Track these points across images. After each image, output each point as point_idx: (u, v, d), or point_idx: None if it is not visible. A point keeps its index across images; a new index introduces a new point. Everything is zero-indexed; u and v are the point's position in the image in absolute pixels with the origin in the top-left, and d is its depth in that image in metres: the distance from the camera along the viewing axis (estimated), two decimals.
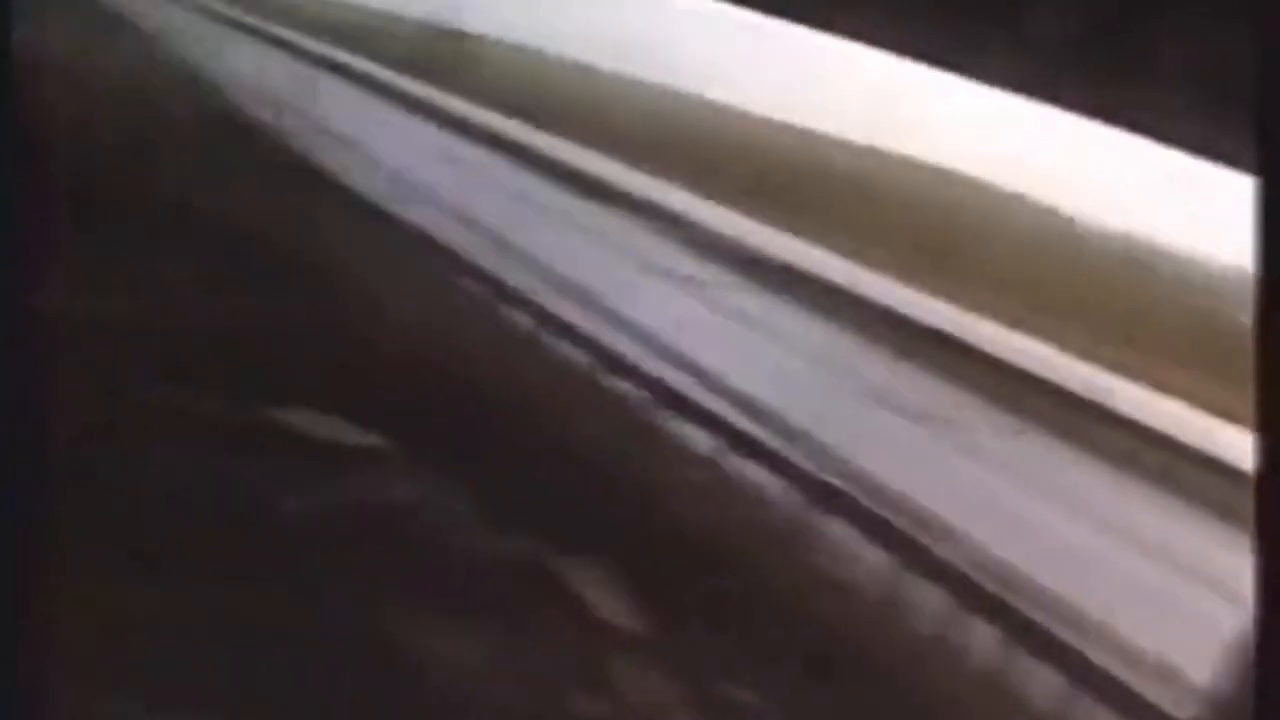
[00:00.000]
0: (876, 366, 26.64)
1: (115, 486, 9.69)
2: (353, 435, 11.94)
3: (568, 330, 19.57)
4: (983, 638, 12.24)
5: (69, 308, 12.76)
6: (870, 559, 13.56)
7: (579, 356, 18.67)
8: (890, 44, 17.60)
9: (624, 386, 17.63)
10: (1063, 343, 33.70)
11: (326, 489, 10.74)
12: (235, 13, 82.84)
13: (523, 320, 20.16)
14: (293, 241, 19.92)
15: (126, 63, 41.36)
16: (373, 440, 11.98)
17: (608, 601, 10.69)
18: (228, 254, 17.78)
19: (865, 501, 14.87)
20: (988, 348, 29.44)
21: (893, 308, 31.95)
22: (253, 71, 53.19)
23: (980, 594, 12.36)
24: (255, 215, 20.94)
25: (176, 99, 37.09)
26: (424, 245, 24.12)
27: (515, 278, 23.02)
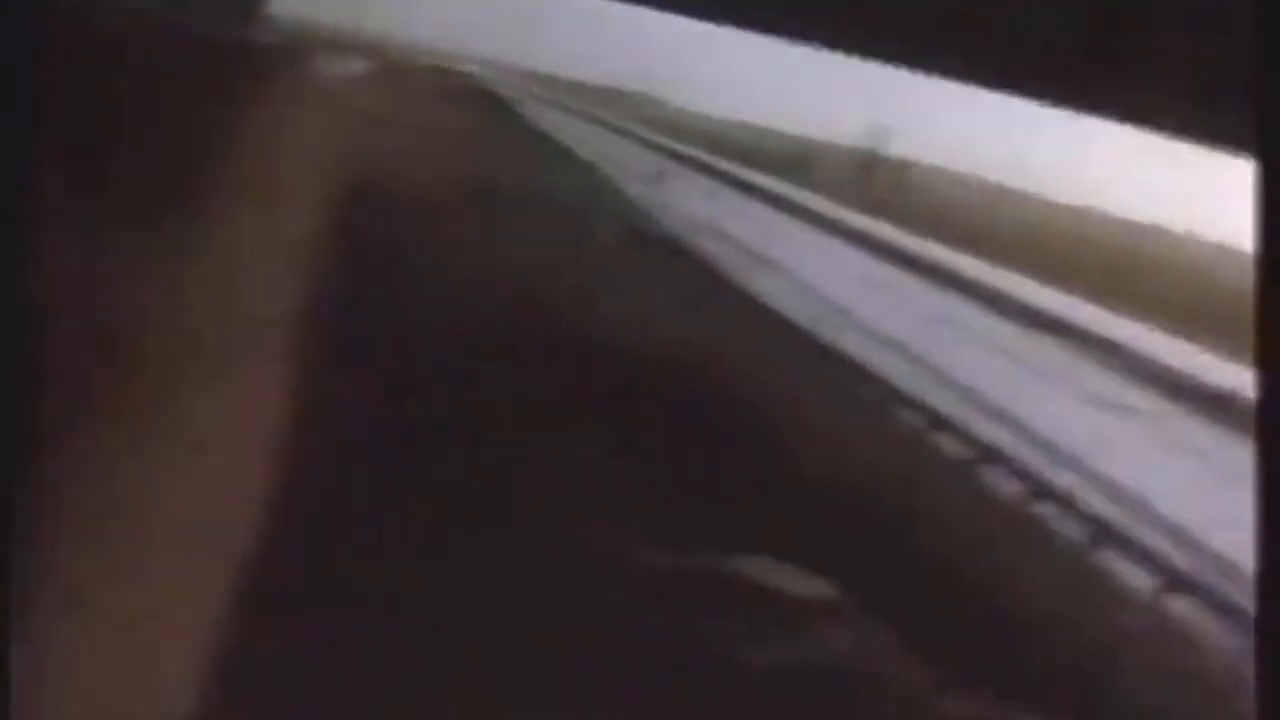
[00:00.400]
0: None
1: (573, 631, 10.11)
2: (804, 584, 12.06)
3: (1003, 460, 19.54)
4: None
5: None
6: None
7: (1014, 488, 18.62)
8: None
9: (1060, 520, 17.51)
10: None
11: (788, 643, 10.92)
12: (668, 142, 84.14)
13: (956, 449, 20.20)
14: (727, 373, 20.37)
15: (563, 193, 43.13)
16: (823, 589, 12.08)
17: None
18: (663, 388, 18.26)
19: None
20: None
21: None
22: (692, 202, 54.71)
23: None
24: (690, 346, 21.57)
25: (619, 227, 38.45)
26: (857, 374, 24.43)
27: (950, 407, 23.12)
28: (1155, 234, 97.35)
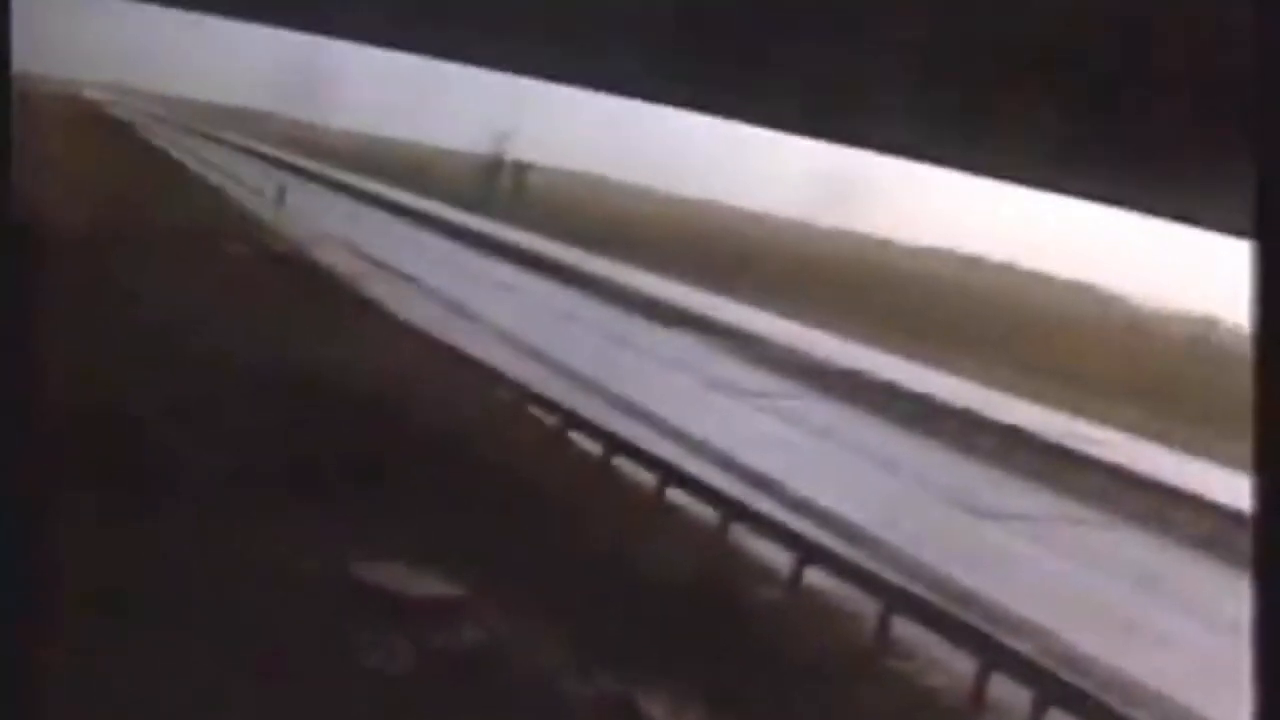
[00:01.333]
0: (944, 466, 26.81)
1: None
2: (434, 585, 12.04)
3: (636, 453, 19.77)
4: None
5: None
6: (954, 663, 13.67)
7: (647, 478, 18.86)
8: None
9: (695, 505, 17.80)
10: (1124, 424, 33.64)
11: (420, 643, 10.89)
12: (290, 157, 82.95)
13: (593, 447, 20.38)
14: (355, 381, 20.21)
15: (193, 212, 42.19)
16: (452, 588, 12.10)
17: None
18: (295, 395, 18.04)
19: (944, 604, 15.01)
20: (1054, 438, 29.49)
21: (959, 405, 32.09)
22: (316, 215, 54.06)
23: (1064, 688, 12.46)
24: (323, 355, 21.34)
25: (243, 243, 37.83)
26: (489, 376, 24.45)
27: (583, 404, 23.33)
28: (767, 221, 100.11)
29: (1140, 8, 7.50)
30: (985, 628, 14.18)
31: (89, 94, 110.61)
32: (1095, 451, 28.01)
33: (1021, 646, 13.76)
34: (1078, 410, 34.61)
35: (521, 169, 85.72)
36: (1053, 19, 8.09)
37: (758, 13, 10.40)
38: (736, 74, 12.67)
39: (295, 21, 18.32)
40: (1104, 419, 33.44)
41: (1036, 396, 36.17)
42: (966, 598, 16.45)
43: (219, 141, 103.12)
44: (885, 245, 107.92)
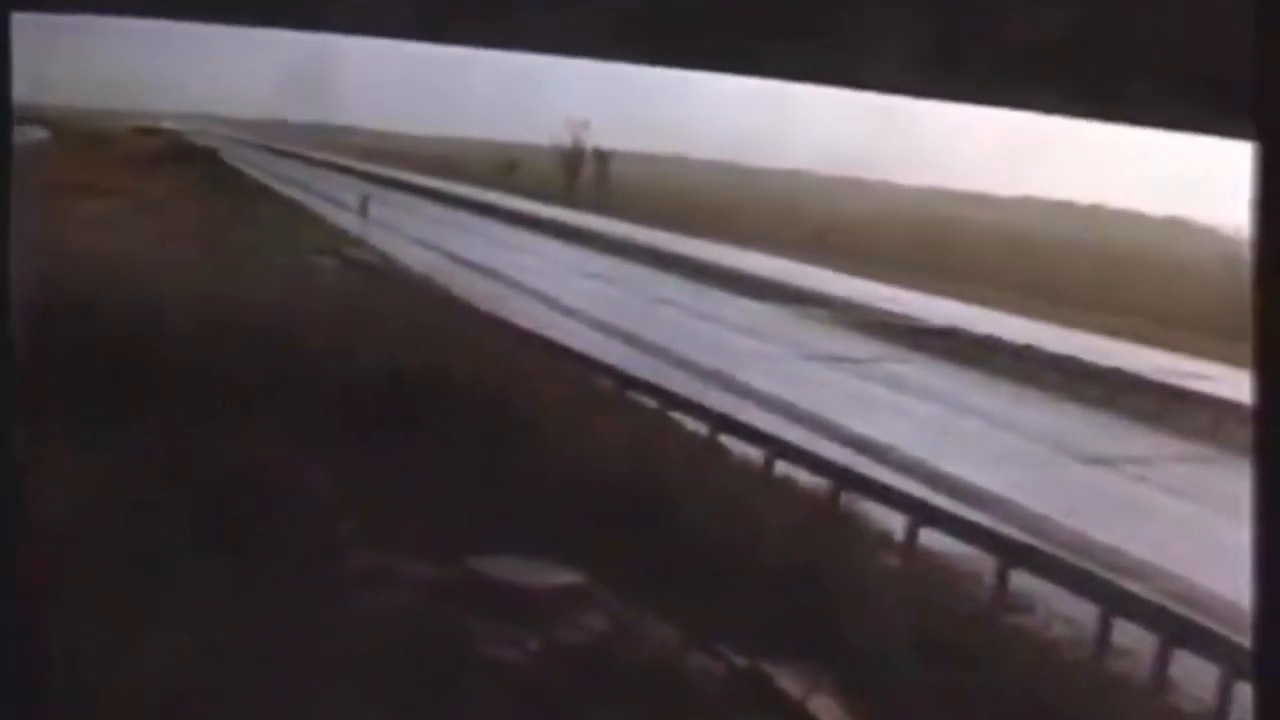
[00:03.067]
0: (1050, 415, 26.65)
1: None
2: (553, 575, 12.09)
3: (741, 428, 19.80)
4: (1194, 670, 12.32)
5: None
6: (1076, 613, 13.64)
7: (754, 453, 18.89)
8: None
9: (804, 475, 17.82)
10: (1225, 357, 33.38)
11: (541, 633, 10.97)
12: (371, 167, 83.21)
13: (693, 424, 20.44)
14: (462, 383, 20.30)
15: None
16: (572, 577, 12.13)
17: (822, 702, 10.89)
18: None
19: (1061, 554, 14.99)
20: (1158, 378, 29.19)
21: (1058, 352, 31.86)
22: (402, 222, 54.47)
23: (1188, 628, 12.41)
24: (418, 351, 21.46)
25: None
26: (587, 365, 24.54)
27: (683, 384, 23.39)
28: (864, 187, 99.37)
29: None
30: (1104, 574, 14.16)
31: (167, 125, 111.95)
32: (1199, 387, 27.72)
33: (1143, 590, 13.73)
34: (1178, 348, 34.27)
35: (603, 157, 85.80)
36: None
37: None
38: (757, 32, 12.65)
39: (307, 22, 18.23)
40: (1204, 354, 33.08)
41: (1135, 337, 35.83)
42: (1084, 546, 16.40)
43: (300, 158, 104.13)
44: (972, 199, 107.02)
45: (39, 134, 52.65)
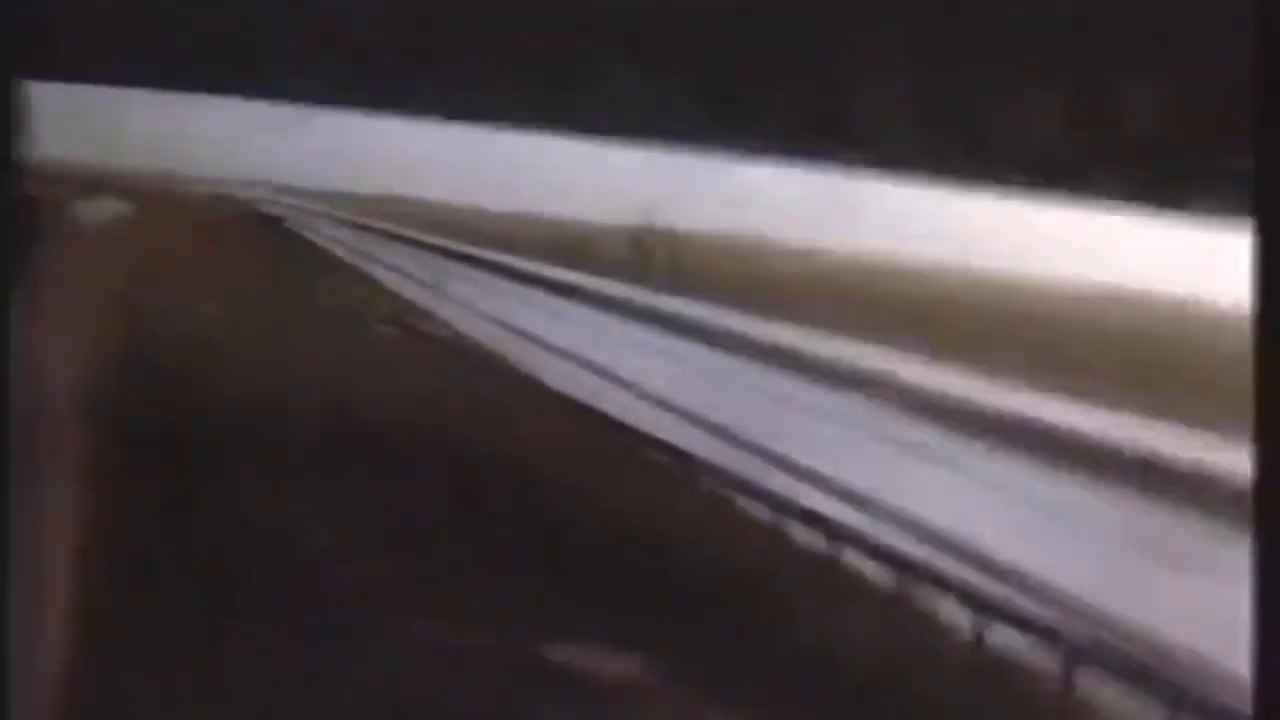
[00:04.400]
0: (1124, 511, 26.21)
1: None
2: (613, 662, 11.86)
3: (806, 515, 19.54)
4: None
5: None
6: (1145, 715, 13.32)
7: (818, 540, 18.62)
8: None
9: (869, 567, 17.54)
10: None
11: None
12: (444, 241, 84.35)
13: (758, 511, 20.19)
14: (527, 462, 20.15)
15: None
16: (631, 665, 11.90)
17: None
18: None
19: (1133, 654, 14.66)
20: (1232, 473, 28.64)
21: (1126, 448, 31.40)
22: (474, 298, 54.77)
23: None
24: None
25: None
26: (653, 446, 24.35)
27: (749, 468, 23.16)
28: (939, 271, 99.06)
29: None
30: (1176, 677, 13.80)
31: (241, 194, 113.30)
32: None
33: (1216, 693, 13.36)
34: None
35: (675, 236, 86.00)
36: None
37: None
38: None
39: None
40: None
41: (1208, 427, 35.19)
42: (1157, 648, 16.02)
43: (372, 230, 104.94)
44: (1036, 286, 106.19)
45: (116, 205, 53.23)
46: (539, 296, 65.91)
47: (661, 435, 25.22)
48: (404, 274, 62.47)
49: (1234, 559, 22.86)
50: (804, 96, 11.68)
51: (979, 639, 15.12)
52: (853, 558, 17.85)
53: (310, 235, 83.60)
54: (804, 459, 26.28)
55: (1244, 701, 13.54)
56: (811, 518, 19.41)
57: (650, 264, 79.80)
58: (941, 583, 16.61)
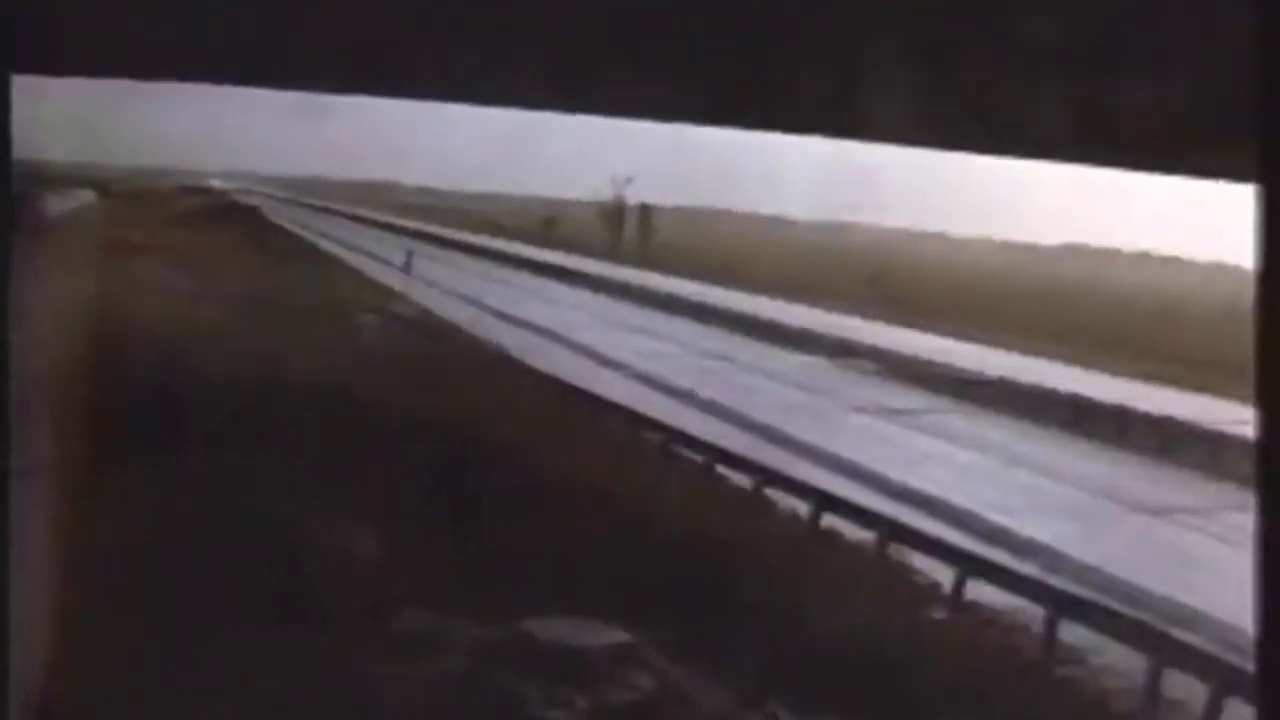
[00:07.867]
0: (1102, 465, 26.40)
1: None
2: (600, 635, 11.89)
3: (787, 482, 19.65)
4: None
5: None
6: (1127, 664, 13.46)
7: (799, 505, 18.76)
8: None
9: (852, 529, 17.69)
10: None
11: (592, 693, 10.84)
12: (414, 224, 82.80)
13: (739, 479, 20.31)
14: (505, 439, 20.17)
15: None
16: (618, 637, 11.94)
17: None
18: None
19: (1112, 605, 14.82)
20: (1209, 425, 28.83)
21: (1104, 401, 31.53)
22: (445, 278, 54.56)
23: (1241, 677, 12.20)
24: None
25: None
26: (632, 420, 24.43)
27: (730, 439, 23.29)
28: (915, 238, 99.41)
29: None
30: (1156, 624, 13.97)
31: (216, 183, 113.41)
32: (1249, 434, 27.19)
33: (1195, 639, 13.53)
34: (1228, 395, 33.90)
35: (646, 211, 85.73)
36: None
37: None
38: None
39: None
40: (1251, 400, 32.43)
41: (1187, 385, 35.42)
42: (1136, 596, 16.20)
43: (342, 216, 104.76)
44: (1018, 248, 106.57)
45: (86, 195, 53.16)
46: (514, 275, 65.90)
47: (640, 407, 25.33)
48: (378, 258, 62.50)
49: (1213, 507, 23.08)
50: (800, 74, 11.77)
51: (959, 593, 15.32)
52: (835, 521, 18.03)
53: (285, 222, 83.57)
54: (783, 427, 26.45)
55: (1220, 645, 13.82)
56: (792, 484, 19.57)
57: (623, 239, 79.94)
58: (922, 541, 16.80)
